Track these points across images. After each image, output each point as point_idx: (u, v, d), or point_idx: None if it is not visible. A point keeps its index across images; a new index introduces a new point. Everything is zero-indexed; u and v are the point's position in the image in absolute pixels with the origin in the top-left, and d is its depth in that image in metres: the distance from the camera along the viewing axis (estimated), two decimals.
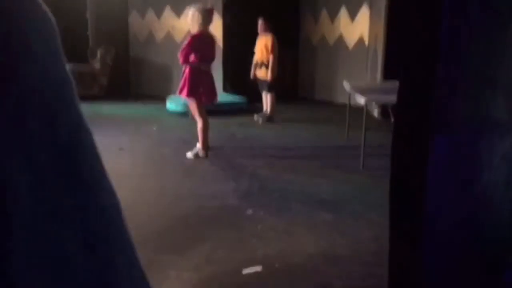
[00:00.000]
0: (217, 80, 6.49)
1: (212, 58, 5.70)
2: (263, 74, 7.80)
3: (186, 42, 5.53)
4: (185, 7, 9.48)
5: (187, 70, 5.52)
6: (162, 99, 9.03)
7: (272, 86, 7.86)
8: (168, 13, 10.04)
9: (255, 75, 7.93)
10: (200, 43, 5.46)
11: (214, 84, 5.77)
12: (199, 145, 5.78)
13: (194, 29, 5.50)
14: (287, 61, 9.31)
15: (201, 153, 5.74)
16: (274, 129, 7.48)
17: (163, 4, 10.07)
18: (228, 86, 9.76)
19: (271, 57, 7.61)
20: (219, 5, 9.19)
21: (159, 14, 10.16)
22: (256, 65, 7.87)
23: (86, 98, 9.59)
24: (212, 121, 5.97)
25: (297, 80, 10.51)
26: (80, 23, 10.42)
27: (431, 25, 1.04)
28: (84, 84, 9.76)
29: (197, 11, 5.45)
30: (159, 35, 10.26)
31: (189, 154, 5.76)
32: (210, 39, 5.66)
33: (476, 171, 1.07)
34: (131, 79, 10.61)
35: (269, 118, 7.95)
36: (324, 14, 9.88)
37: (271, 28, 7.75)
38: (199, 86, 5.54)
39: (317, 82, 10.19)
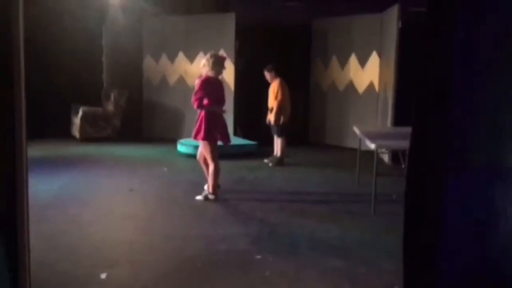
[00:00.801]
0: (228, 123, 6.48)
1: (223, 100, 5.83)
2: (271, 118, 7.89)
3: (197, 86, 5.62)
4: (197, 53, 9.81)
5: (202, 114, 5.61)
6: (173, 141, 9.05)
7: (282, 130, 7.94)
8: (181, 58, 10.15)
9: (269, 120, 8.01)
10: (211, 86, 5.59)
11: (227, 126, 5.90)
12: (208, 188, 5.76)
13: (207, 73, 5.66)
14: (297, 106, 9.28)
15: (210, 196, 5.73)
16: (284, 173, 7.42)
17: (176, 50, 10.15)
18: (239, 130, 9.77)
19: (275, 102, 7.78)
20: (231, 51, 9.32)
21: (172, 59, 10.22)
22: (269, 110, 8.01)
23: (100, 139, 9.78)
24: (222, 164, 5.91)
25: (308, 124, 10.46)
26: (96, 66, 10.62)
27: (444, 68, 1.05)
28: (98, 125, 9.85)
29: (211, 57, 5.62)
30: (172, 79, 10.29)
31: (199, 197, 5.80)
32: (219, 82, 5.80)
33: (491, 217, 1.04)
34: (143, 121, 10.64)
35: (279, 162, 7.95)
36: (334, 60, 9.87)
37: (277, 74, 7.89)
38: (215, 129, 5.62)
39: (328, 126, 10.13)
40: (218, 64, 5.60)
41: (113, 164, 7.66)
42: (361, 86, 9.43)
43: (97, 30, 10.48)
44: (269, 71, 7.91)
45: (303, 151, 9.29)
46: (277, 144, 8.04)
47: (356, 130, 6.32)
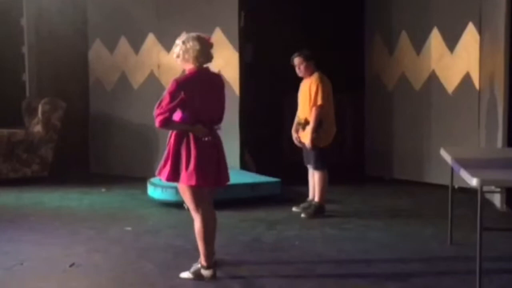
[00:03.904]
0: (231, 148, 6.36)
1: (218, 113, 5.84)
2: (305, 138, 7.82)
3: (168, 88, 5.64)
4: (177, 34, 9.59)
5: (172, 138, 5.66)
6: (140, 181, 9.15)
7: (322, 159, 7.82)
8: (151, 43, 10.00)
9: (298, 138, 7.97)
10: (196, 88, 5.61)
11: (224, 157, 5.87)
12: (201, 260, 5.76)
13: (186, 66, 5.74)
14: (345, 117, 9.25)
15: (205, 272, 5.74)
16: (326, 229, 7.46)
17: (144, 30, 10.01)
18: (249, 159, 9.69)
19: (313, 110, 7.70)
20: (233, 29, 9.33)
21: (137, 45, 10.12)
22: (298, 124, 7.91)
23: (20, 181, 9.59)
24: (222, 217, 5.96)
25: (363, 146, 10.39)
26: (12, 62, 10.60)
27: None
28: (17, 159, 9.72)
29: (190, 39, 5.70)
30: (137, 78, 10.17)
31: (185, 274, 5.79)
32: (213, 82, 5.85)
33: None
34: (91, 150, 10.65)
35: (318, 211, 7.91)
36: (403, 39, 9.76)
37: (315, 65, 7.81)
38: (204, 164, 5.61)
39: (396, 150, 9.99)
40: (203, 50, 5.62)
41: (43, 223, 7.65)
42: (450, 81, 9.31)
43: (13, 1, 10.38)
44: (305, 58, 7.75)
45: (357, 191, 9.37)
46: (314, 181, 7.96)
47: (446, 154, 6.44)
